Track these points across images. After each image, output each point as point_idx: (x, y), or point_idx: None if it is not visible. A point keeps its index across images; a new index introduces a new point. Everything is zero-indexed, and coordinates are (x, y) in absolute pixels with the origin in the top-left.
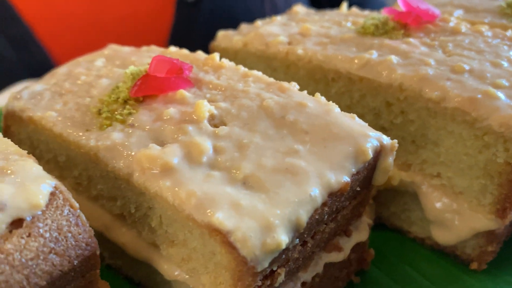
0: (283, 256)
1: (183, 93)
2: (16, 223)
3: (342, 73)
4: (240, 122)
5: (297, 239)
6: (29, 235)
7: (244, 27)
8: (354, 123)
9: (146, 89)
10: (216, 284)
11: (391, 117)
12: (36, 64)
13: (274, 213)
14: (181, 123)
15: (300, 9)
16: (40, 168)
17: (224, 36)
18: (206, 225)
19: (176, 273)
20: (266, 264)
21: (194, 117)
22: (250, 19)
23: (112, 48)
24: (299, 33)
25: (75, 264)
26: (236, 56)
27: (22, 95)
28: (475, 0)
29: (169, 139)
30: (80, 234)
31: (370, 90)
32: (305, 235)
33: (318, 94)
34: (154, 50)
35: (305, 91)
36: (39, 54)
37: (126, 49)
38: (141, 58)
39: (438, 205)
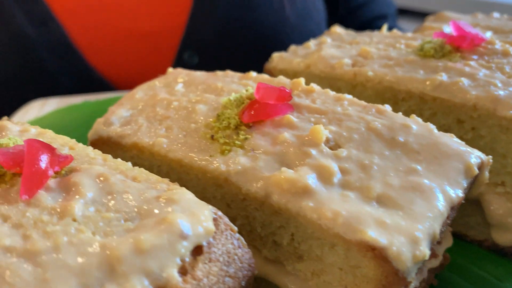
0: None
1: (290, 118)
2: (197, 250)
3: (415, 93)
4: (354, 144)
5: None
6: (210, 261)
7: (297, 49)
8: (454, 141)
9: (257, 115)
10: None
11: (461, 133)
12: (55, 41)
13: (416, 228)
14: (302, 146)
15: (339, 30)
16: (192, 195)
17: (280, 58)
18: (357, 242)
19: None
20: (413, 275)
21: (312, 141)
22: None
23: (179, 73)
24: (359, 55)
25: (242, 285)
26: (295, 77)
27: (112, 121)
28: (497, 21)
29: (295, 162)
30: (243, 256)
31: (442, 108)
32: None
33: (414, 116)
34: (231, 75)
35: (400, 113)
36: (57, 31)
37: (198, 74)
38: (227, 84)
39: (501, 210)
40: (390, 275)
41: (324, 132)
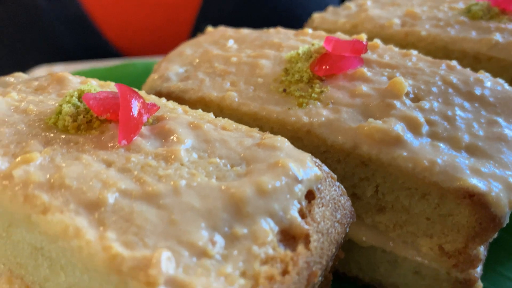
0: None
1: (363, 71)
2: (309, 195)
3: (469, 53)
4: (433, 97)
5: None
6: (322, 205)
7: (337, 10)
8: None
9: (331, 68)
10: (440, 243)
11: None
12: (67, 10)
13: (510, 175)
14: (383, 98)
15: None
16: (289, 142)
17: (322, 19)
18: (454, 190)
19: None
20: (507, 220)
21: (393, 93)
22: None
23: (224, 30)
24: (407, 16)
25: (347, 231)
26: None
27: (169, 76)
28: None
29: (380, 114)
30: (345, 203)
31: (497, 68)
32: None
33: (482, 71)
34: (284, 32)
35: (468, 68)
36: (71, 5)
37: (246, 31)
38: (284, 40)
39: None
40: (485, 221)
41: (405, 84)
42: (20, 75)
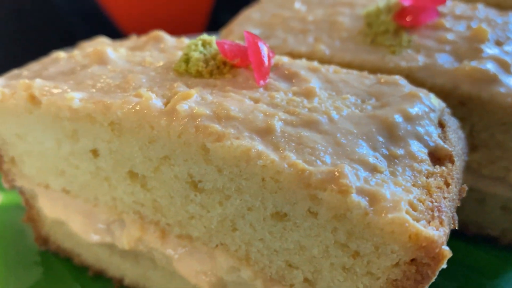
0: None
1: (442, 21)
2: (439, 124)
3: None
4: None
5: None
6: (452, 133)
7: None
8: None
9: (415, 19)
10: None
11: None
12: (86, 9)
13: None
14: (470, 44)
15: None
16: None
17: None
18: None
19: None
20: None
21: (478, 39)
22: None
23: None
24: None
25: (463, 165)
26: None
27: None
28: None
29: (471, 57)
30: (461, 135)
31: None
32: None
33: None
34: None
35: None
36: None
37: None
38: None
39: None
40: None
41: (488, 30)
42: (104, 39)
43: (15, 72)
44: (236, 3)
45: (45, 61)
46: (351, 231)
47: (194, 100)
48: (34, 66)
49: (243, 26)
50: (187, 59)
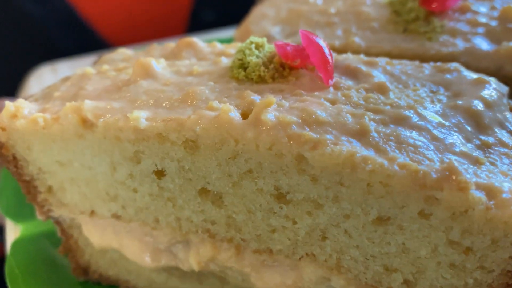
0: None
1: (467, 4)
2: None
3: None
4: None
5: None
6: None
7: None
8: None
9: (441, 4)
10: None
11: None
12: (61, 17)
13: None
14: (503, 24)
15: None
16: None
17: None
18: None
19: None
20: None
21: (509, 19)
22: None
23: None
24: None
25: None
26: None
27: (273, 35)
28: None
29: (508, 37)
30: None
31: None
32: None
33: None
34: None
35: None
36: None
37: None
38: None
39: None
40: None
41: None
42: (124, 50)
43: (38, 94)
44: (216, 1)
45: (72, 78)
46: (467, 228)
47: (275, 107)
48: (61, 85)
49: (260, 25)
50: (242, 65)
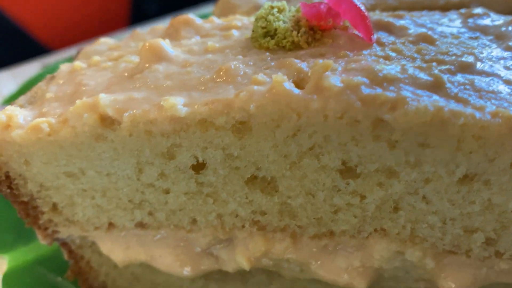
0: None
1: None
2: None
3: None
4: None
5: None
6: None
7: None
8: None
9: None
10: None
11: None
12: None
13: None
14: None
15: None
16: None
17: None
18: None
19: None
20: None
21: None
22: None
23: None
24: None
25: None
26: None
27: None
28: None
29: None
30: None
31: None
32: None
33: None
34: None
35: None
36: None
37: None
38: None
39: None
40: None
41: None
42: (106, 39)
43: (21, 99)
44: None
45: (59, 76)
46: None
47: (333, 71)
48: (48, 86)
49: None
50: (268, 33)
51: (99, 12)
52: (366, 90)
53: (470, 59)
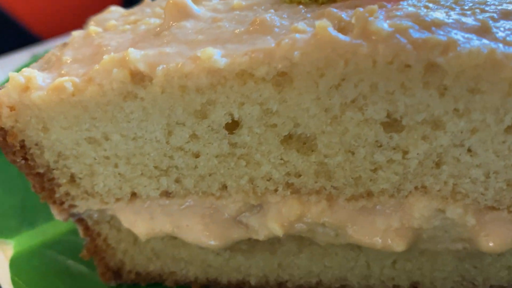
0: None
1: None
2: None
3: None
4: None
5: None
6: None
7: None
8: None
9: None
10: None
11: None
12: None
13: None
14: None
15: None
16: None
17: None
18: None
19: None
20: None
21: None
22: None
23: None
24: None
25: None
26: None
27: None
28: None
29: None
30: None
31: None
32: None
33: None
34: None
35: None
36: None
37: None
38: None
39: None
40: None
41: None
42: (117, 9)
43: (35, 65)
44: None
45: (74, 41)
46: None
47: (377, 18)
48: (63, 51)
49: None
50: None
51: (90, 1)
52: (416, 34)
53: (511, 7)
